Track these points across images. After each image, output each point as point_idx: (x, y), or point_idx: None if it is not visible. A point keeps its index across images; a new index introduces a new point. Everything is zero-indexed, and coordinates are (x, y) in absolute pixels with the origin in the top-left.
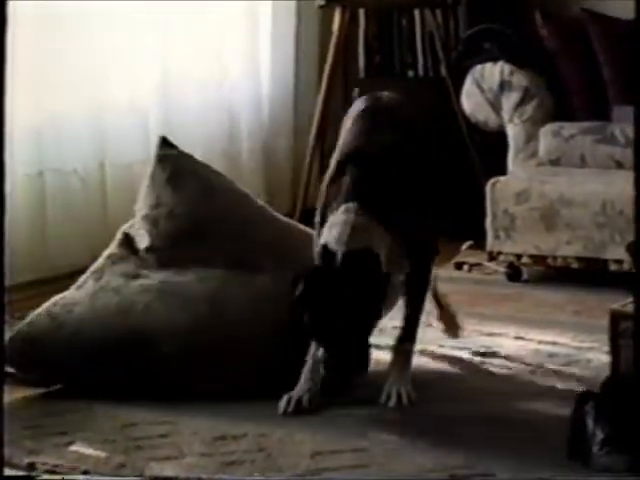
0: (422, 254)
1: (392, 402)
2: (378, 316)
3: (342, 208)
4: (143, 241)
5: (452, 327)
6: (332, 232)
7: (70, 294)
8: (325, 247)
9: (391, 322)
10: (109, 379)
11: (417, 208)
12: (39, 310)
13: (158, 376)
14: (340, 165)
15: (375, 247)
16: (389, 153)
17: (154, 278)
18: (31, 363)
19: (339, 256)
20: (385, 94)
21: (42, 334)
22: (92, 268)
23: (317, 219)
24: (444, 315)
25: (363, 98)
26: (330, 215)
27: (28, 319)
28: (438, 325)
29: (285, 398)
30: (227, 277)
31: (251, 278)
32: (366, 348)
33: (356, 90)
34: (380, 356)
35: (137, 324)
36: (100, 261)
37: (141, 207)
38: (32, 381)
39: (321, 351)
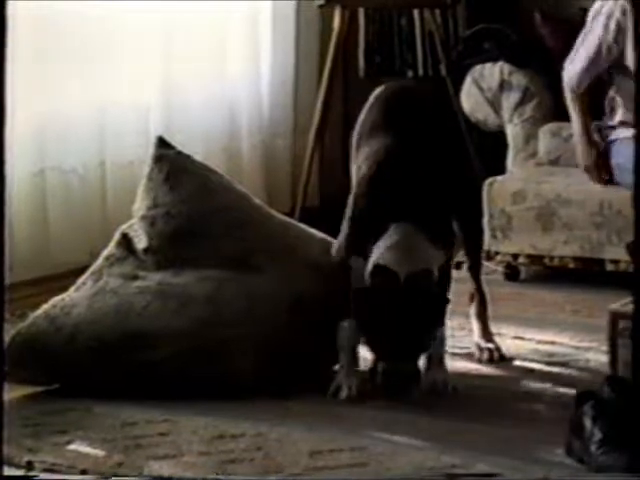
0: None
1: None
2: (439, 325)
3: (393, 228)
4: (141, 242)
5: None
6: (390, 254)
7: (69, 296)
8: (378, 266)
9: None
10: (106, 381)
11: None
12: (38, 312)
13: (155, 377)
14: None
15: (432, 265)
16: (423, 161)
17: (152, 279)
18: (30, 365)
19: (402, 277)
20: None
21: (41, 336)
22: (91, 269)
23: (348, 226)
24: (485, 334)
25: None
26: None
27: (28, 321)
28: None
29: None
30: (224, 277)
31: (248, 278)
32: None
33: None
34: None
35: (134, 326)
36: (99, 262)
37: (139, 207)
38: (31, 380)
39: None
